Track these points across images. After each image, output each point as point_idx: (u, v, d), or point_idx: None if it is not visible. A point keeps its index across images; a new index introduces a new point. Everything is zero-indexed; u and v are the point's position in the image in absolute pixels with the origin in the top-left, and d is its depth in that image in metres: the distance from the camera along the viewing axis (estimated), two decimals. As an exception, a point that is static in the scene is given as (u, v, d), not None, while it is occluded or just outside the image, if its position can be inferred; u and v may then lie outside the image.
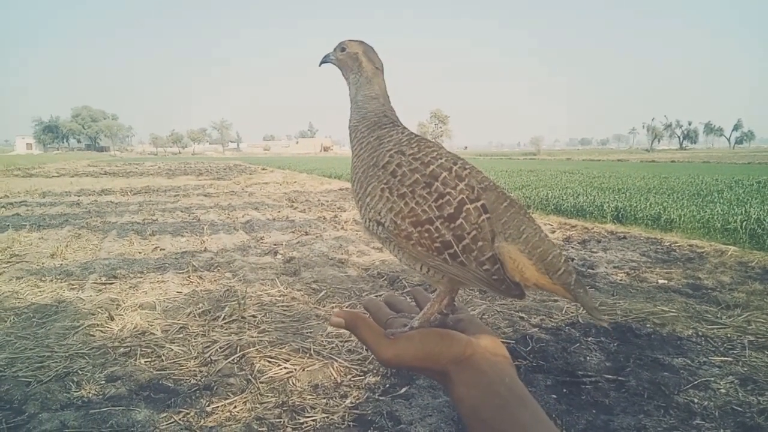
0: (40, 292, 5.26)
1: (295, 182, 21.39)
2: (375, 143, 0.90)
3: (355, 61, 0.99)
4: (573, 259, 6.69)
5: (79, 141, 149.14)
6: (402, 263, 0.88)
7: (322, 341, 3.96)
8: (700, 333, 4.05)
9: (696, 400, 3.06)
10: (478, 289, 0.87)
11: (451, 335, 0.80)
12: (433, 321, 0.86)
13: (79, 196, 15.94)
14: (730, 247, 7.22)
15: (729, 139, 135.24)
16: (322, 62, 1.05)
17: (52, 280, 5.66)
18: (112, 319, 4.40)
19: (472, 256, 0.80)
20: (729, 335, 4.00)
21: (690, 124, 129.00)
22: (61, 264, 6.51)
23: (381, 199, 0.84)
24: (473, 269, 0.81)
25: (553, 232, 8.90)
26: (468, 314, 0.91)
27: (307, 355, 3.73)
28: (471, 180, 0.84)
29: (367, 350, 3.55)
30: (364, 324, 0.82)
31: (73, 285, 5.51)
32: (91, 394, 3.20)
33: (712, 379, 3.30)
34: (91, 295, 5.09)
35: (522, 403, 0.72)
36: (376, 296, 4.84)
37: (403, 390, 3.23)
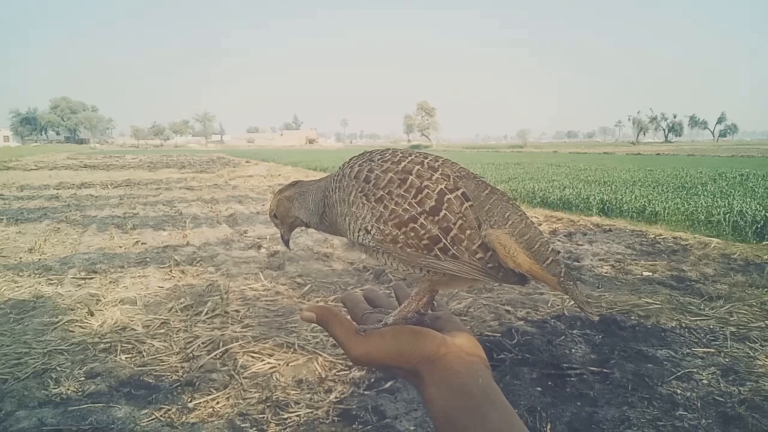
0: (17, 287, 5.14)
1: (279, 175, 21.24)
2: (338, 175, 0.87)
3: (289, 201, 0.99)
4: (559, 252, 6.71)
5: (58, 133, 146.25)
6: (396, 274, 0.83)
7: (307, 336, 3.92)
8: (683, 325, 4.09)
9: (679, 391, 3.08)
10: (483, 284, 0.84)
11: (425, 333, 0.76)
12: (410, 318, 0.83)
13: (58, 189, 15.67)
14: (713, 239, 7.31)
15: (713, 132, 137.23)
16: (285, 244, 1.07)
17: (29, 275, 5.54)
18: (91, 314, 4.32)
19: (463, 246, 0.77)
20: (711, 327, 4.04)
21: (675, 117, 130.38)
22: (40, 258, 6.39)
23: (363, 206, 0.81)
24: (467, 260, 0.77)
25: (540, 224, 8.93)
26: (447, 312, 0.87)
27: (291, 349, 3.69)
28: (445, 170, 0.81)
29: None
30: (336, 319, 0.79)
31: (51, 280, 5.40)
32: (69, 391, 3.13)
33: (695, 370, 3.33)
34: (70, 290, 4.99)
35: (494, 407, 0.69)
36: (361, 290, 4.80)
37: (388, 384, 3.20)
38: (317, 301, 4.76)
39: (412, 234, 0.77)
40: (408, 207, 0.77)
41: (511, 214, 0.79)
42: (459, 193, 0.78)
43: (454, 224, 0.77)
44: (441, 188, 0.78)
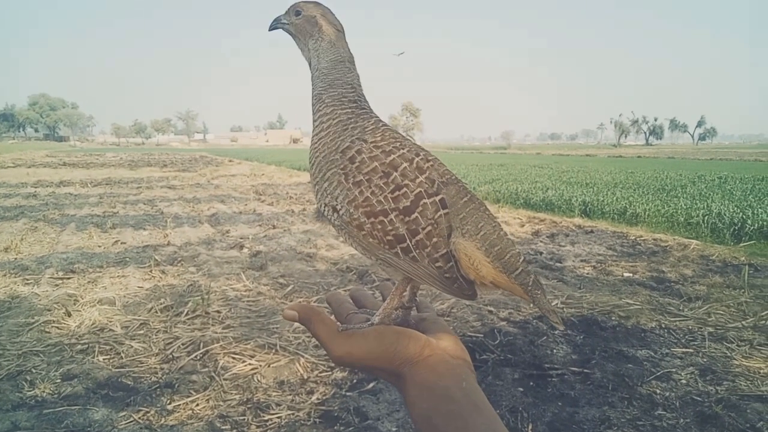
0: (-8, 287, 5.02)
1: (263, 174, 21.11)
2: (339, 128, 0.85)
3: (313, 25, 0.90)
4: (542, 253, 6.76)
5: (36, 130, 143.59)
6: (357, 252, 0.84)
7: (289, 337, 3.89)
8: (663, 325, 4.14)
9: (658, 391, 3.11)
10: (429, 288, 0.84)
11: (409, 334, 0.75)
12: (395, 318, 0.82)
13: (36, 187, 15.38)
14: (692, 240, 7.42)
15: (693, 136, 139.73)
16: (273, 28, 0.95)
17: (5, 275, 5.42)
18: (69, 315, 4.24)
19: (425, 252, 0.77)
20: (690, 327, 4.09)
21: (656, 120, 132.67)
22: (16, 258, 6.26)
23: (339, 185, 0.80)
24: (425, 266, 0.78)
25: (523, 225, 9.00)
26: (432, 314, 0.87)
27: (273, 351, 3.66)
28: (432, 173, 0.80)
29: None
30: (318, 318, 0.78)
31: (28, 280, 5.29)
32: (45, 394, 3.07)
33: (674, 370, 3.37)
34: (47, 291, 4.89)
35: (477, 411, 0.67)
36: (345, 291, 4.78)
37: (371, 385, 3.19)
38: (300, 302, 4.72)
39: (379, 227, 0.77)
40: (382, 200, 0.77)
41: (484, 225, 0.80)
42: (437, 199, 0.78)
43: (423, 229, 0.77)
44: (420, 191, 0.78)
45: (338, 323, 0.80)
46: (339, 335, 0.76)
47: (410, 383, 0.72)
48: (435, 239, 0.77)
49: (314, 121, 0.89)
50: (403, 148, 0.81)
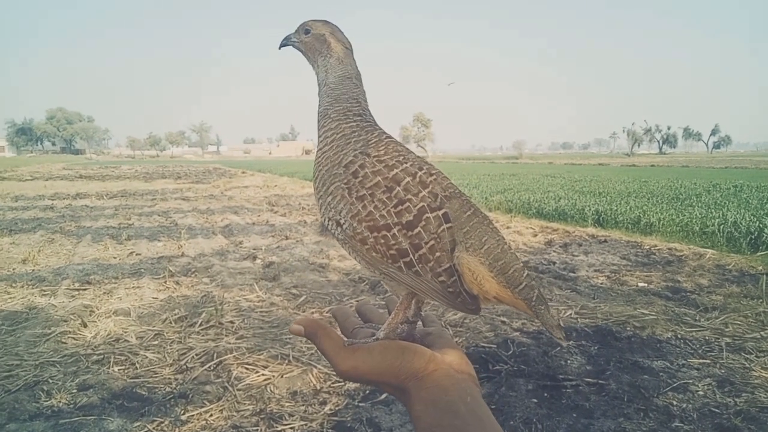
0: (10, 298, 5.10)
1: (275, 186, 21.24)
2: (342, 142, 0.86)
3: (322, 42, 0.93)
4: (555, 263, 6.72)
5: (53, 143, 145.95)
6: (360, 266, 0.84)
7: (301, 347, 3.89)
8: (679, 335, 4.08)
9: (675, 403, 3.07)
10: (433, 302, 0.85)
11: (414, 349, 0.76)
12: (400, 333, 0.83)
13: (53, 199, 15.60)
14: (708, 250, 7.33)
15: (707, 144, 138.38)
16: (282, 45, 0.98)
17: (23, 286, 5.50)
18: (84, 325, 4.29)
19: (428, 266, 0.77)
20: (707, 337, 4.03)
21: (669, 128, 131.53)
22: (33, 269, 6.34)
23: (342, 200, 0.81)
24: (428, 280, 0.78)
25: (535, 235, 8.95)
26: (438, 328, 0.87)
27: (286, 361, 3.67)
28: (435, 187, 0.80)
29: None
30: (324, 333, 0.79)
31: (45, 291, 5.36)
32: (61, 404, 3.10)
33: (691, 381, 3.32)
34: (63, 302, 4.95)
35: (481, 425, 0.68)
36: (357, 301, 4.79)
37: (383, 396, 3.18)
38: (312, 313, 4.73)
39: (382, 241, 0.78)
40: (385, 214, 0.78)
41: (488, 239, 0.80)
42: (440, 213, 0.79)
43: (426, 243, 0.77)
44: (423, 206, 0.78)
45: (344, 337, 0.81)
46: (344, 350, 0.76)
47: (415, 398, 0.72)
48: (438, 253, 0.77)
49: (319, 136, 0.90)
50: (405, 162, 0.82)
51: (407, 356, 0.74)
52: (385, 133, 0.89)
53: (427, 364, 0.74)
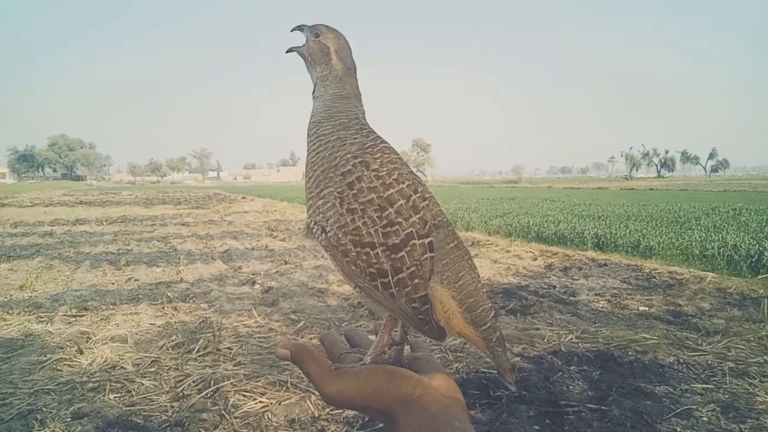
0: (6, 325, 5.06)
1: (275, 211, 21.25)
2: (338, 144, 0.85)
3: (325, 54, 0.92)
4: (555, 287, 6.69)
5: (54, 170, 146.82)
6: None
7: (300, 374, 3.84)
8: (681, 360, 4.04)
9: (679, 429, 3.02)
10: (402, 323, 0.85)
11: (400, 373, 0.75)
12: (387, 358, 0.82)
13: (52, 225, 15.60)
14: (708, 273, 7.29)
15: (705, 168, 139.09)
16: (289, 50, 0.97)
17: (19, 313, 5.46)
18: (81, 352, 4.24)
19: (405, 290, 0.77)
20: (710, 362, 3.99)
21: (667, 152, 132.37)
22: (30, 296, 6.31)
23: (332, 207, 0.80)
24: (402, 303, 0.78)
25: (535, 259, 8.92)
26: (426, 353, 0.87)
27: (284, 388, 3.62)
28: (426, 213, 0.81)
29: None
30: (310, 357, 0.78)
31: (41, 317, 5.32)
32: (54, 433, 3.04)
33: (694, 407, 3.27)
34: (60, 328, 4.91)
35: None
36: (355, 326, 4.75)
37: (382, 424, 3.12)
38: (311, 338, 4.69)
39: (364, 257, 0.78)
40: (372, 232, 0.77)
41: (464, 274, 0.80)
42: (427, 241, 0.79)
43: (408, 268, 0.77)
44: (412, 231, 0.78)
45: (330, 363, 0.80)
46: (330, 374, 0.76)
47: (403, 423, 0.71)
48: (416, 280, 0.77)
49: (310, 144, 0.89)
50: (402, 183, 0.81)
51: (394, 380, 0.74)
52: (380, 138, 0.88)
53: (415, 388, 0.73)
